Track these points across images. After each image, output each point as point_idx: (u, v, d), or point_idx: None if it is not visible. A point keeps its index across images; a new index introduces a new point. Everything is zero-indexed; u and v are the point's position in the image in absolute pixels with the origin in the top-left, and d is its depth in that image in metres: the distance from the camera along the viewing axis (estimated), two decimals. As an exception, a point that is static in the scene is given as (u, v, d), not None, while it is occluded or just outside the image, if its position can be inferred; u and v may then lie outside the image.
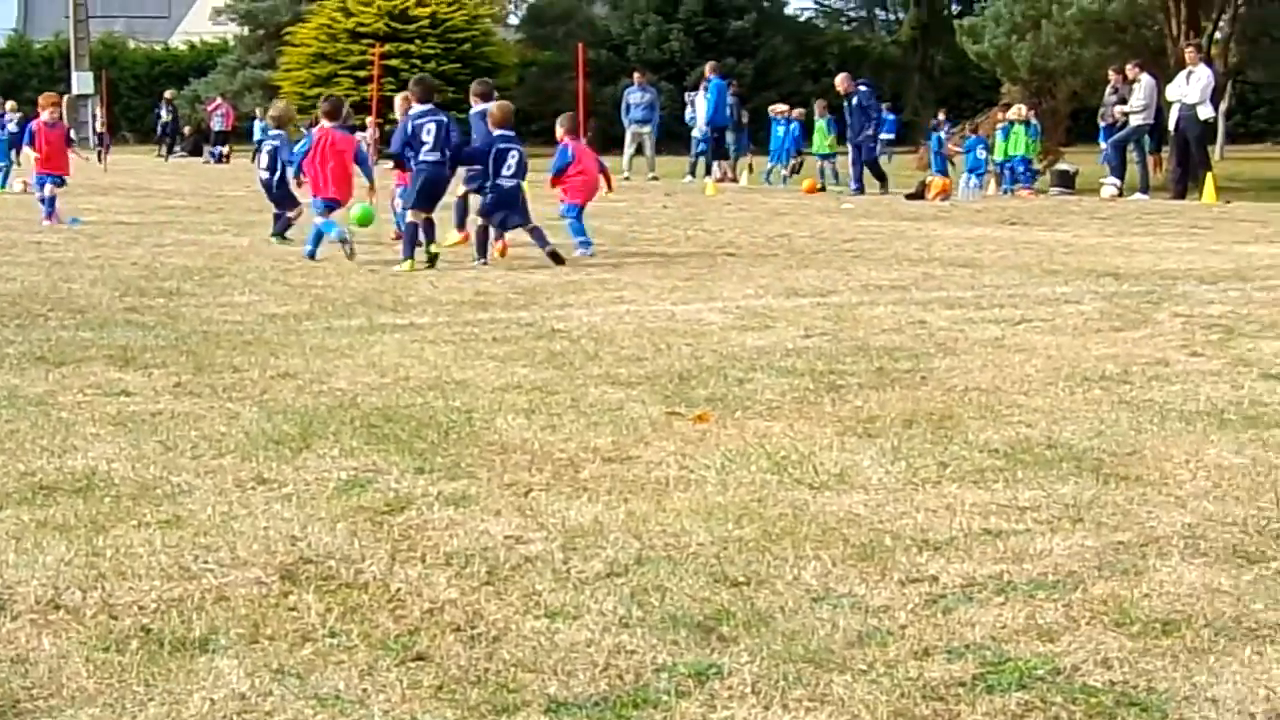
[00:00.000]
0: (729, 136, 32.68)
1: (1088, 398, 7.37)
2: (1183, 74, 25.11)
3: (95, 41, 58.25)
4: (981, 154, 28.05)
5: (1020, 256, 14.88)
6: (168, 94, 50.31)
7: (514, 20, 59.43)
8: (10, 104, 31.18)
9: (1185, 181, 25.06)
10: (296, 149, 15.31)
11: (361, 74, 42.01)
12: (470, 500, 5.43)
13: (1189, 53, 25.52)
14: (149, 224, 19.11)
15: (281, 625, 4.11)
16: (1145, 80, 25.91)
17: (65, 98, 38.49)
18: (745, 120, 34.42)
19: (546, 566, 4.64)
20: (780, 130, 31.59)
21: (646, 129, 32.88)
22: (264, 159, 16.88)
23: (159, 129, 49.46)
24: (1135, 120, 26.02)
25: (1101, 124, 27.55)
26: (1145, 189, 25.58)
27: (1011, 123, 27.66)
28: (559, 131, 15.34)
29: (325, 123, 14.90)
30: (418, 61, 42.48)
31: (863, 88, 28.40)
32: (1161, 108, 25.90)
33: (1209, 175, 24.63)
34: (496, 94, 16.45)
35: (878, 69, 50.83)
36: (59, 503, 5.36)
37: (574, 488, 5.62)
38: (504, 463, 6.00)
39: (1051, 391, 7.52)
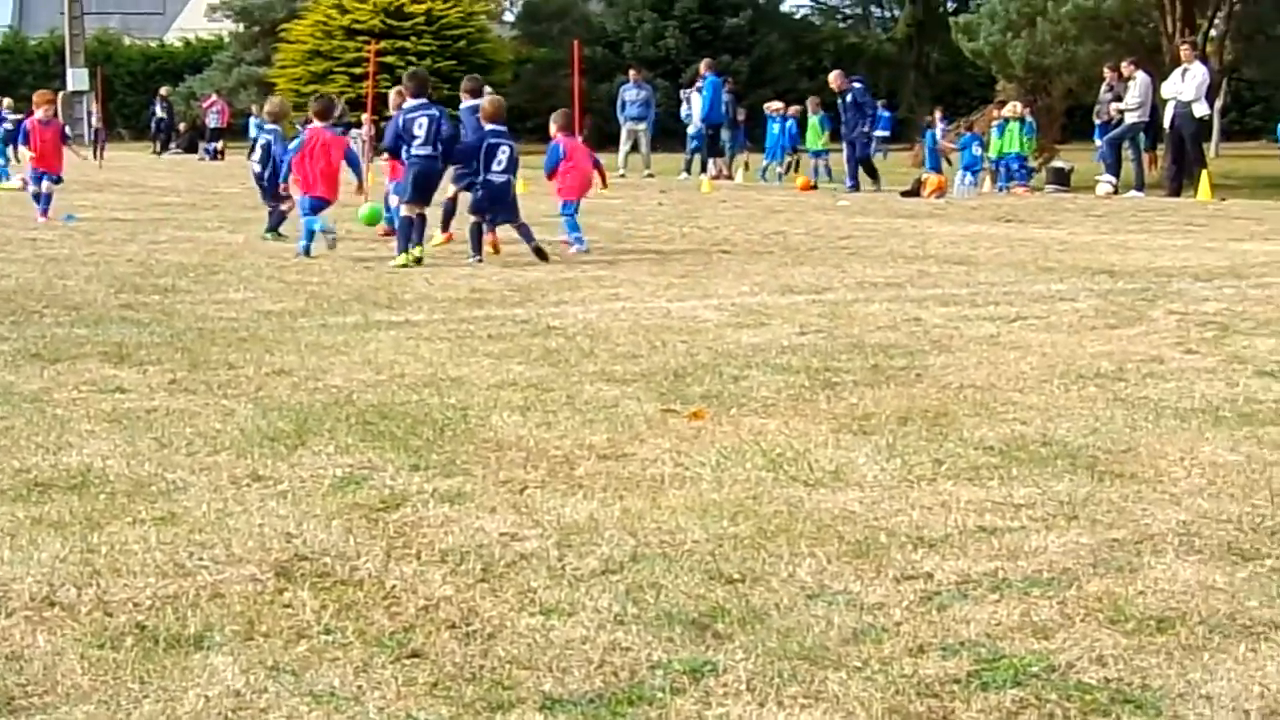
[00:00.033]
0: (724, 134, 32.69)
1: (1083, 395, 7.37)
2: (1178, 71, 25.13)
3: (90, 38, 58.22)
4: (977, 151, 28.07)
5: (1015, 254, 14.89)
6: (163, 91, 50.29)
7: (509, 17, 59.42)
8: (6, 101, 31.17)
9: (1180, 179, 25.09)
10: (291, 146, 15.28)
11: (357, 71, 42.04)
12: (465, 497, 5.43)
13: (1184, 50, 25.54)
14: (144, 221, 19.10)
15: (276, 622, 4.11)
16: (1140, 78, 25.93)
17: (60, 94, 38.54)
18: (742, 118, 34.43)
19: (541, 564, 4.64)
20: (776, 128, 31.60)
21: (642, 126, 32.90)
22: (257, 152, 16.86)
23: (153, 126, 49.44)
24: (1130, 118, 26.04)
25: (1097, 121, 27.57)
26: (1140, 186, 25.60)
27: (1006, 120, 27.68)
28: (552, 128, 15.38)
29: (316, 122, 14.91)
30: (413, 58, 42.46)
31: (857, 85, 28.41)
32: (1157, 105, 25.93)
33: (1204, 173, 24.65)
34: (490, 90, 16.47)
35: (873, 66, 50.87)
36: (54, 499, 5.36)
37: (569, 485, 5.62)
38: (499, 460, 6.00)
39: (1046, 389, 7.52)
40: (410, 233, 13.69)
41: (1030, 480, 5.65)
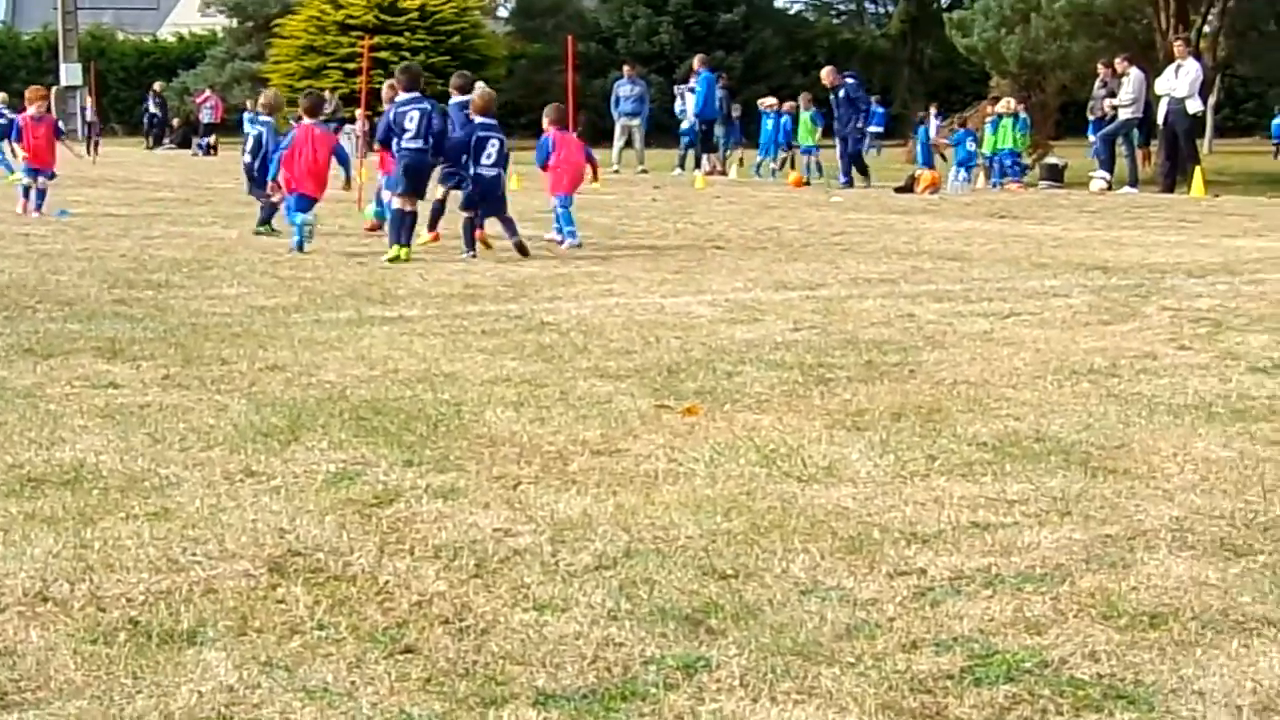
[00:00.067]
0: (718, 129, 32.67)
1: (1076, 391, 7.38)
2: (1171, 68, 25.14)
3: (83, 33, 58.10)
4: (971, 147, 28.07)
5: (1009, 250, 14.90)
6: (156, 86, 50.22)
7: (503, 12, 59.36)
8: (1, 95, 31.13)
9: (1174, 175, 25.10)
10: (281, 144, 15.24)
11: (351, 66, 41.97)
12: (459, 493, 5.43)
13: (1178, 46, 25.55)
14: (137, 216, 19.07)
15: (270, 618, 4.11)
16: (1134, 74, 25.94)
17: (54, 89, 38.48)
18: (737, 114, 34.43)
19: (535, 559, 4.64)
20: (770, 124, 31.60)
21: (636, 122, 32.87)
22: (249, 142, 16.83)
23: (146, 122, 49.37)
24: (1124, 114, 26.05)
25: (1090, 118, 27.59)
26: (1134, 183, 25.62)
27: (1000, 116, 27.68)
28: (544, 122, 15.39)
29: (305, 119, 14.90)
30: (407, 54, 42.36)
31: (850, 80, 28.40)
32: (1150, 101, 25.94)
33: (1197, 169, 24.67)
34: (483, 85, 16.45)
35: (867, 62, 50.87)
36: (47, 495, 5.35)
37: (563, 480, 5.62)
38: (493, 455, 6.00)
39: (1040, 385, 7.53)
40: (403, 225, 13.70)
41: (1023, 476, 5.65)
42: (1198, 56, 26.34)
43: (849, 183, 27.38)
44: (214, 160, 39.67)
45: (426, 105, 14.12)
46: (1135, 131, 26.64)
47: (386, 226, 14.52)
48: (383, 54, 39.31)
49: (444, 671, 3.74)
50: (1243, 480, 5.61)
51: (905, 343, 8.87)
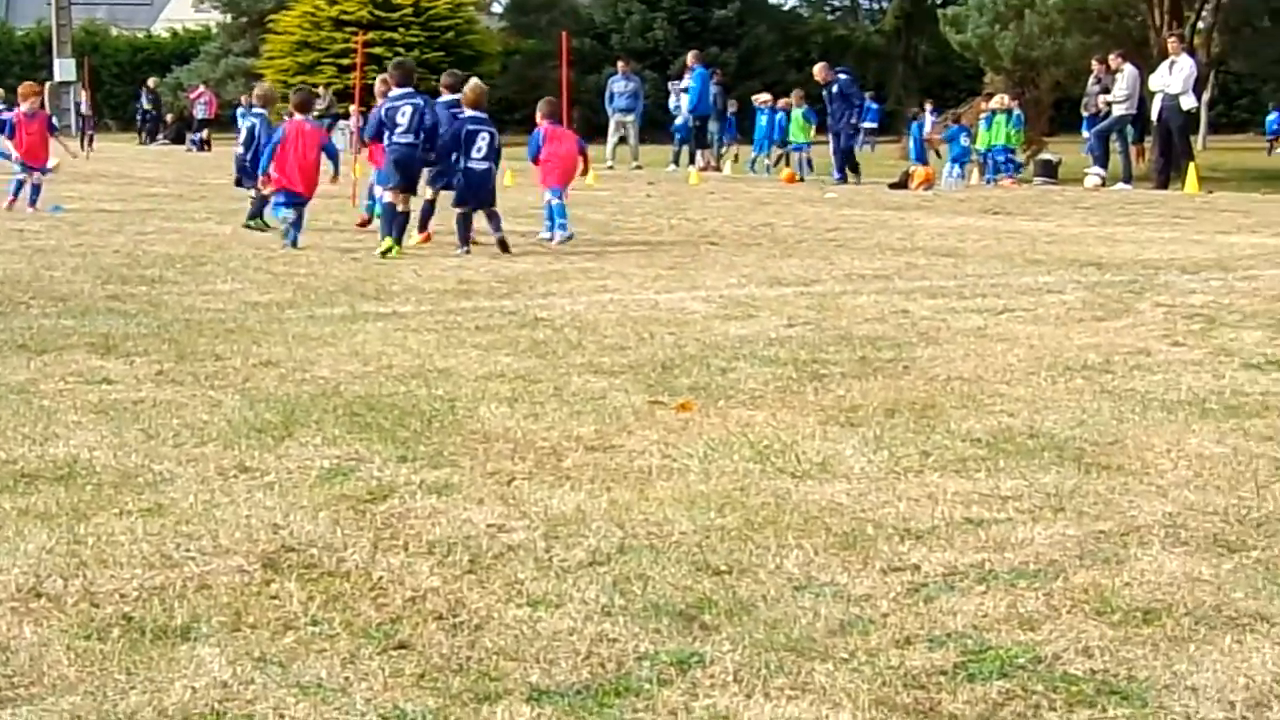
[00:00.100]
0: (712, 125, 32.67)
1: (1070, 387, 7.39)
2: (1165, 64, 25.16)
3: (77, 29, 58.10)
4: (965, 142, 28.09)
5: (1003, 246, 14.90)
6: (150, 82, 50.19)
7: (497, 8, 59.37)
8: (-2, 90, 31.13)
9: (1168, 171, 25.12)
10: (272, 140, 15.21)
11: (345, 62, 41.98)
12: (453, 489, 5.42)
13: (1172, 43, 25.57)
14: (131, 212, 19.05)
15: (263, 613, 4.11)
16: (1128, 70, 25.96)
17: (47, 85, 38.42)
18: (732, 110, 34.44)
19: (529, 555, 4.64)
20: (764, 120, 31.60)
21: (630, 118, 32.87)
22: (242, 134, 16.84)
23: (139, 117, 49.32)
24: (1118, 110, 26.07)
25: (1084, 114, 27.61)
26: (1128, 179, 25.63)
27: (994, 112, 27.69)
28: (537, 116, 15.40)
29: (296, 115, 14.89)
30: (401, 50, 42.31)
31: (843, 76, 28.40)
32: (1144, 98, 25.96)
33: (1191, 165, 24.69)
34: (477, 81, 16.43)
35: (861, 58, 50.93)
36: (40, 491, 5.35)
37: (556, 476, 5.62)
38: (486, 451, 6.00)
39: (1034, 381, 7.53)
40: (394, 219, 13.70)
41: (1017, 472, 5.66)
42: (1191, 53, 26.37)
43: (843, 179, 27.38)
44: (208, 156, 39.65)
45: (419, 101, 14.12)
46: (1129, 128, 26.66)
47: (377, 221, 14.53)
48: (377, 50, 39.24)
49: (438, 667, 3.74)
50: (1236, 476, 5.62)
51: (899, 339, 8.87)
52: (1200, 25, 30.03)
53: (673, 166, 31.65)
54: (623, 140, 32.91)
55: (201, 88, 47.68)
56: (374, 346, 8.51)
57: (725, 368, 7.90)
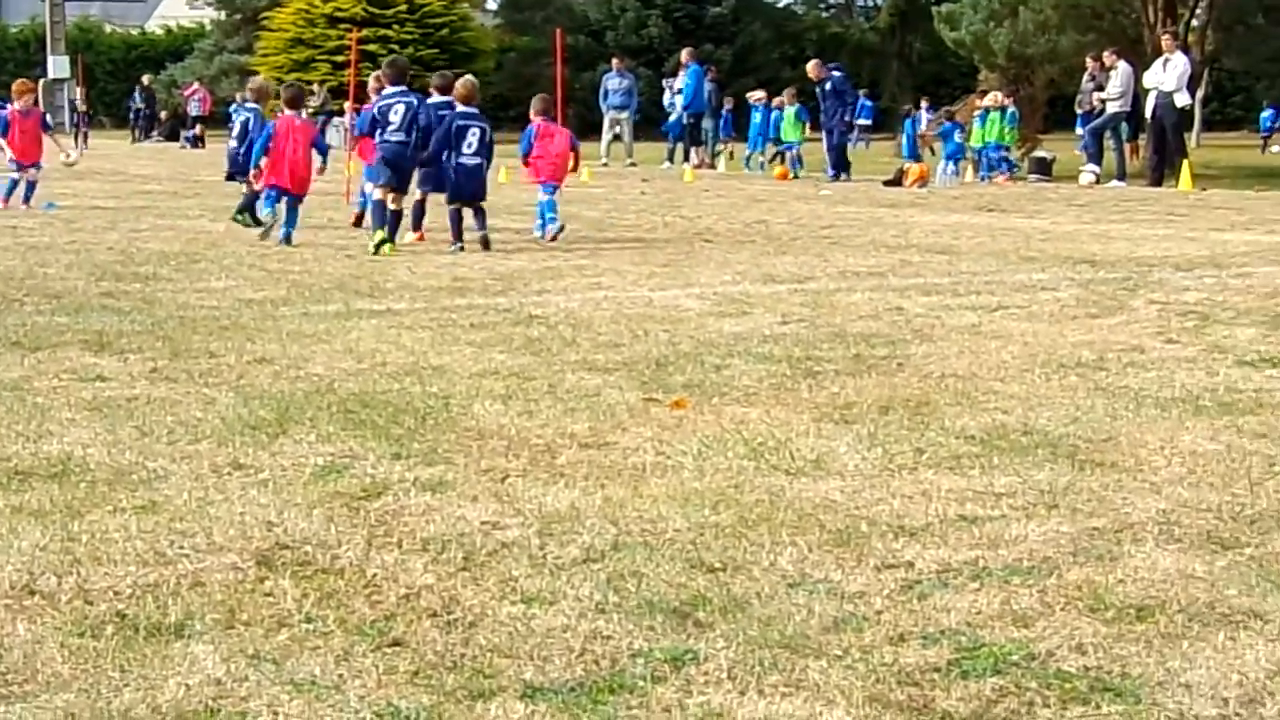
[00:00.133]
0: (706, 123, 32.67)
1: (1064, 384, 7.39)
2: (1159, 61, 25.17)
3: (71, 25, 57.99)
4: (959, 139, 28.09)
5: (997, 243, 14.91)
6: (144, 79, 50.13)
7: (492, 5, 59.31)
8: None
9: (1162, 169, 25.14)
10: (261, 136, 15.18)
11: (339, 59, 41.92)
12: (447, 486, 5.42)
13: (1166, 40, 25.59)
14: (125, 209, 19.03)
15: (257, 611, 4.11)
16: (1122, 67, 25.97)
17: (41, 82, 38.38)
18: (728, 106, 34.43)
19: (523, 552, 4.64)
20: (758, 117, 31.60)
21: (624, 115, 32.87)
22: (235, 128, 16.82)
23: (132, 116, 49.26)
24: (1112, 107, 26.09)
25: (1079, 111, 27.62)
26: (1122, 176, 25.65)
27: (988, 110, 27.70)
28: (531, 112, 15.39)
29: (286, 110, 14.87)
30: (395, 46, 42.34)
31: (836, 73, 28.41)
32: (1138, 95, 25.98)
33: (1185, 162, 24.72)
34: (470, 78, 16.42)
35: (856, 55, 50.92)
36: (34, 488, 5.34)
37: (551, 473, 5.62)
38: (481, 448, 6.00)
39: (1028, 378, 7.54)
40: (384, 213, 13.69)
41: (1011, 469, 5.66)
42: (1185, 50, 26.39)
43: (837, 175, 27.38)
44: (202, 153, 39.58)
45: (413, 99, 14.11)
46: (1124, 125, 26.68)
47: (368, 217, 14.52)
48: (371, 47, 39.21)
49: (432, 664, 3.74)
50: (1229, 473, 5.62)
51: (893, 336, 8.88)
52: (1194, 22, 30.05)
53: (667, 164, 31.64)
54: (617, 138, 32.92)
55: (196, 85, 47.61)
56: (368, 344, 8.51)
57: (719, 365, 7.90)
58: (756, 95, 32.02)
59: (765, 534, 4.81)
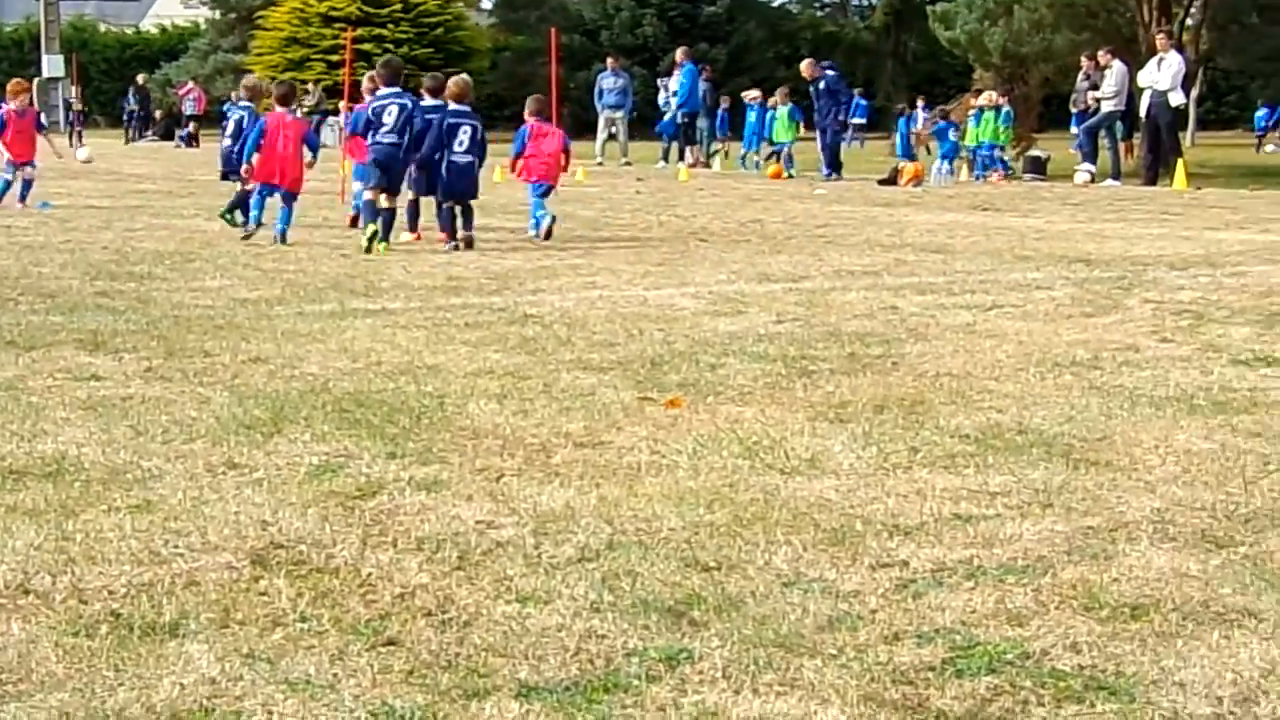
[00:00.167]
0: (700, 122, 32.68)
1: (1058, 383, 7.39)
2: (1154, 60, 25.18)
3: (65, 25, 57.97)
4: (954, 137, 28.11)
5: (992, 242, 14.92)
6: (139, 79, 50.10)
7: (487, 4, 59.33)
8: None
9: (1156, 168, 25.15)
10: (253, 133, 15.14)
11: (334, 58, 41.91)
12: (442, 485, 5.42)
13: (1160, 39, 25.60)
14: (120, 208, 19.02)
15: (252, 610, 4.10)
16: (1117, 66, 25.99)
17: (35, 81, 38.35)
18: (724, 105, 34.43)
19: (518, 551, 4.63)
20: (753, 116, 31.61)
21: (619, 114, 32.89)
22: (229, 126, 16.83)
23: (125, 116, 49.24)
24: (1107, 106, 26.10)
25: (1073, 110, 27.65)
26: (1117, 175, 25.67)
27: (983, 109, 27.71)
28: (525, 112, 15.38)
29: (277, 108, 14.86)
30: (390, 46, 42.42)
31: (830, 72, 28.42)
32: (1133, 94, 26.00)
33: (1180, 162, 24.73)
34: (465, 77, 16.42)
35: (850, 55, 51.00)
36: (28, 487, 5.34)
37: (545, 473, 5.62)
38: (476, 448, 5.99)
39: (1022, 377, 7.54)
40: (374, 210, 13.67)
41: (1006, 468, 5.66)
42: (1180, 49, 26.39)
43: (831, 174, 27.39)
44: (196, 152, 39.57)
45: (406, 101, 14.09)
46: (1118, 124, 26.69)
47: (360, 215, 14.50)
48: (366, 46, 39.28)
49: (426, 664, 3.74)
50: (1224, 472, 5.63)
51: (888, 335, 8.88)
52: (1189, 22, 30.07)
53: (662, 163, 31.66)
54: (612, 137, 32.93)
55: (190, 84, 47.59)
56: (363, 343, 8.50)
57: (714, 364, 7.90)
58: (752, 94, 32.03)
59: (760, 533, 4.81)
